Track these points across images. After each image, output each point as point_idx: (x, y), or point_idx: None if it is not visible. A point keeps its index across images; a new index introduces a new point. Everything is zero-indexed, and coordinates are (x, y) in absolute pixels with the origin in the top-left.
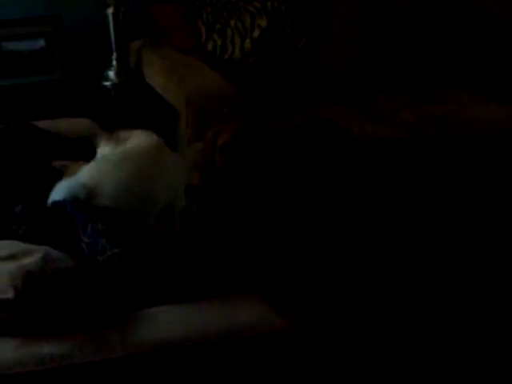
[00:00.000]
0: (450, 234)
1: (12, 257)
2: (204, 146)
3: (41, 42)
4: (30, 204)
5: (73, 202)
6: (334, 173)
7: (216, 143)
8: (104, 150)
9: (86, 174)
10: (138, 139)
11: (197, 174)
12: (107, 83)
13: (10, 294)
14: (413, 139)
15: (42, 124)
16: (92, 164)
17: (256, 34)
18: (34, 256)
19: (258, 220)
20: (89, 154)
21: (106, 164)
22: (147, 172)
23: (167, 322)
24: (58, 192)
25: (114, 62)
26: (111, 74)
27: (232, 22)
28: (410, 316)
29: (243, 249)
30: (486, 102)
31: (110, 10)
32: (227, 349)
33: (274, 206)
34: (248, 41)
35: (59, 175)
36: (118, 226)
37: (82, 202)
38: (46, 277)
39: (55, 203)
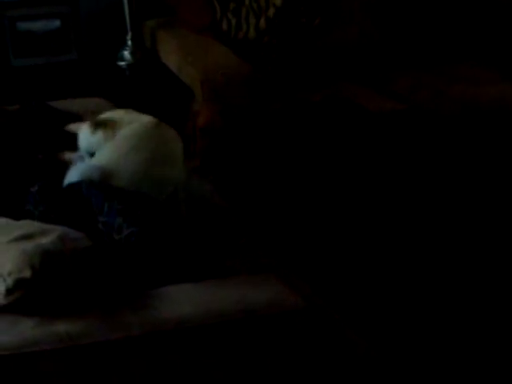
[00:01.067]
0: (461, 205)
1: (29, 236)
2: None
3: (56, 23)
4: (46, 184)
5: (88, 183)
6: (350, 147)
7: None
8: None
9: (101, 156)
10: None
11: None
12: (122, 63)
13: (27, 273)
14: (427, 114)
15: (58, 104)
16: (107, 146)
17: (271, 12)
18: (51, 235)
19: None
20: None
21: (121, 146)
22: (161, 155)
23: (183, 300)
24: (73, 174)
25: (129, 42)
26: (126, 53)
27: (247, 1)
28: (421, 295)
29: (262, 230)
30: (501, 80)
31: None
32: (243, 327)
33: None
34: (263, 19)
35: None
36: (135, 205)
37: (97, 183)
38: (64, 256)
39: (71, 185)
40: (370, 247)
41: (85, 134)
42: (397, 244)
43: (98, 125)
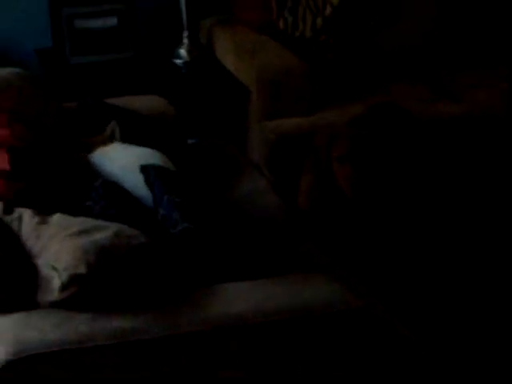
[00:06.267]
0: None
1: (84, 232)
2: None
3: (113, 20)
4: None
5: (157, 169)
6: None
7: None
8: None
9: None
10: None
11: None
12: (178, 61)
13: (82, 269)
14: (482, 118)
15: (114, 101)
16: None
17: (328, 11)
18: (106, 232)
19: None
20: (159, 131)
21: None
22: None
23: (238, 298)
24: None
25: (186, 40)
26: (182, 51)
27: (303, 0)
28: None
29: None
30: None
31: None
32: (299, 326)
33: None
34: (319, 18)
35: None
36: (194, 200)
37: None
38: (119, 253)
39: (143, 167)
40: (422, 253)
41: None
42: (450, 252)
43: None
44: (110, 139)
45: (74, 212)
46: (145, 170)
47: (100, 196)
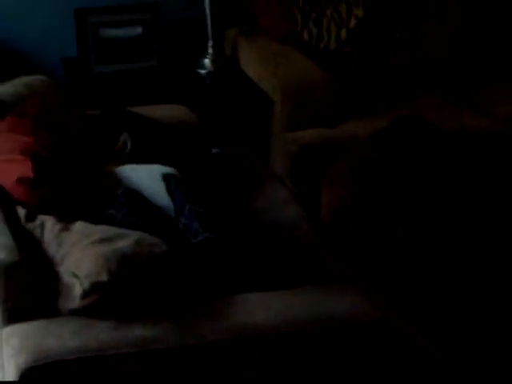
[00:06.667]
0: None
1: (106, 240)
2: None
3: (138, 30)
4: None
5: (179, 179)
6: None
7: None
8: None
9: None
10: None
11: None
12: (202, 71)
13: (103, 277)
14: (508, 132)
15: (138, 110)
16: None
17: (352, 23)
18: (128, 240)
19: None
20: (181, 140)
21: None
22: None
23: (258, 308)
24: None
25: (210, 50)
26: (207, 61)
27: (328, 11)
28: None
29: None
30: None
31: None
32: (319, 336)
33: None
34: (344, 30)
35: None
36: (215, 210)
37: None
38: (140, 260)
39: (165, 175)
40: (446, 267)
41: None
42: (473, 266)
43: None
44: (122, 151)
45: (96, 220)
46: (167, 178)
47: (122, 204)
